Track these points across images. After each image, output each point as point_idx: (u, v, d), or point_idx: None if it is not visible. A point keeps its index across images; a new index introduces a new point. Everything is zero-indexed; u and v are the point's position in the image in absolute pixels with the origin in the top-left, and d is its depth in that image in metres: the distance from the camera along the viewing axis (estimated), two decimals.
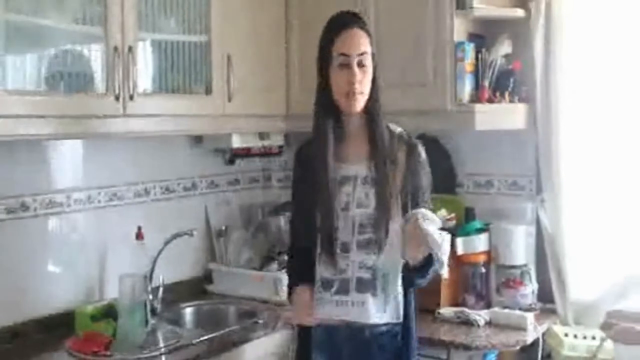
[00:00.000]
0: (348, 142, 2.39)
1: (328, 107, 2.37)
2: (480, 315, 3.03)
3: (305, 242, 2.39)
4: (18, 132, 2.39)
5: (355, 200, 2.34)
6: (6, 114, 2.32)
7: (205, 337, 2.80)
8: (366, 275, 2.33)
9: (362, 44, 2.32)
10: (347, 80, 2.30)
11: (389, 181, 2.32)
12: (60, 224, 2.93)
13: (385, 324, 2.35)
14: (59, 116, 2.49)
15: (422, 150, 2.42)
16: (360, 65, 2.31)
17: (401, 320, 2.35)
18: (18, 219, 2.77)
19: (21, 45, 2.51)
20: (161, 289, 2.96)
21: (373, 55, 2.35)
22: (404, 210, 2.30)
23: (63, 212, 2.94)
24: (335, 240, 2.33)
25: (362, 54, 2.31)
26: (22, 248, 2.79)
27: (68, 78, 2.64)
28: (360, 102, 2.33)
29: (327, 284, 2.35)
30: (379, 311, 2.34)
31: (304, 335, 2.44)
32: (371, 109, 2.37)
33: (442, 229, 2.15)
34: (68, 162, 2.98)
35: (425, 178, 2.40)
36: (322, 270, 2.35)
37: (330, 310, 2.34)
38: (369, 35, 2.36)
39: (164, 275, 2.99)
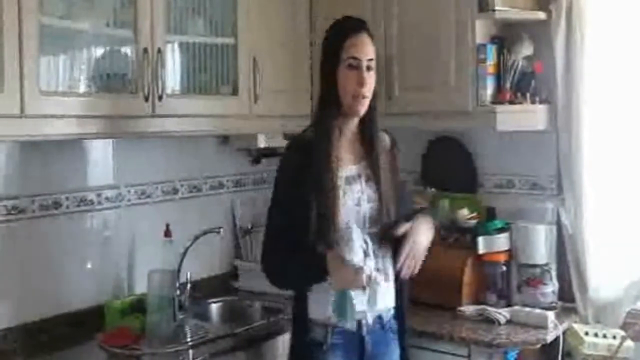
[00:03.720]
0: (344, 143, 2.45)
1: (333, 107, 2.41)
2: (501, 314, 3.04)
3: (293, 243, 2.35)
4: (51, 132, 2.45)
5: (365, 196, 2.42)
6: (39, 114, 2.37)
7: (232, 332, 2.86)
8: (377, 264, 2.40)
9: (370, 50, 2.40)
10: (357, 82, 2.36)
11: (388, 177, 2.45)
12: (91, 221, 3.00)
13: (394, 307, 2.49)
14: (90, 116, 2.55)
15: (398, 147, 2.59)
16: (368, 70, 2.38)
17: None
18: (51, 216, 2.84)
19: (54, 47, 2.55)
20: (189, 285, 3.00)
21: (376, 62, 2.43)
22: (398, 201, 2.47)
23: (94, 210, 3.00)
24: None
25: (370, 59, 2.38)
26: (54, 244, 2.86)
27: (99, 79, 2.70)
28: (365, 106, 2.41)
29: None
30: (392, 294, 2.48)
31: (310, 341, 2.40)
32: (369, 113, 2.44)
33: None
34: (99, 161, 3.04)
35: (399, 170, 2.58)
36: None
37: None
38: (374, 42, 2.44)
39: (192, 272, 3.03)
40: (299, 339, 2.45)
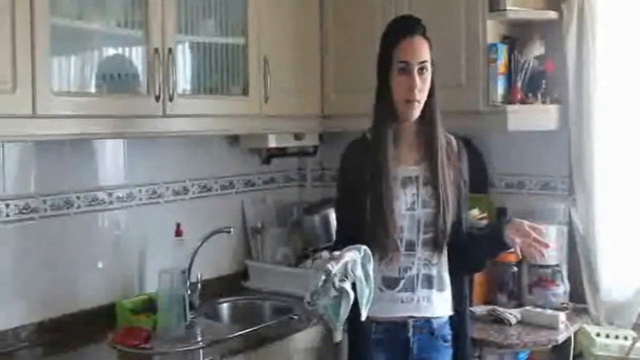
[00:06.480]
0: (403, 144, 2.42)
1: (387, 110, 2.38)
2: (512, 314, 3.02)
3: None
4: (63, 131, 2.46)
5: (420, 200, 2.38)
6: (52, 114, 2.39)
7: (242, 332, 2.86)
8: (431, 271, 2.40)
9: (423, 52, 2.34)
10: (407, 87, 2.32)
11: (448, 182, 2.39)
12: (102, 220, 3.01)
13: (449, 316, 2.45)
14: (102, 116, 2.56)
15: (465, 152, 2.52)
16: (421, 73, 2.33)
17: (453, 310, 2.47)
18: (62, 215, 2.85)
19: (66, 47, 2.57)
20: (199, 285, 3.01)
21: (432, 62, 2.37)
22: (457, 206, 2.42)
23: (105, 209, 3.01)
24: (401, 240, 2.37)
25: (423, 62, 2.34)
26: (66, 243, 2.87)
27: (110, 79, 2.71)
28: (417, 111, 2.36)
29: (390, 282, 2.38)
30: (444, 304, 2.44)
31: (357, 334, 2.42)
32: (429, 115, 2.40)
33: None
34: (110, 161, 3.05)
35: (467, 176, 2.51)
36: (383, 269, 2.37)
37: (396, 307, 2.38)
38: (430, 42, 2.38)
39: (202, 271, 3.05)
40: (348, 333, 2.46)
